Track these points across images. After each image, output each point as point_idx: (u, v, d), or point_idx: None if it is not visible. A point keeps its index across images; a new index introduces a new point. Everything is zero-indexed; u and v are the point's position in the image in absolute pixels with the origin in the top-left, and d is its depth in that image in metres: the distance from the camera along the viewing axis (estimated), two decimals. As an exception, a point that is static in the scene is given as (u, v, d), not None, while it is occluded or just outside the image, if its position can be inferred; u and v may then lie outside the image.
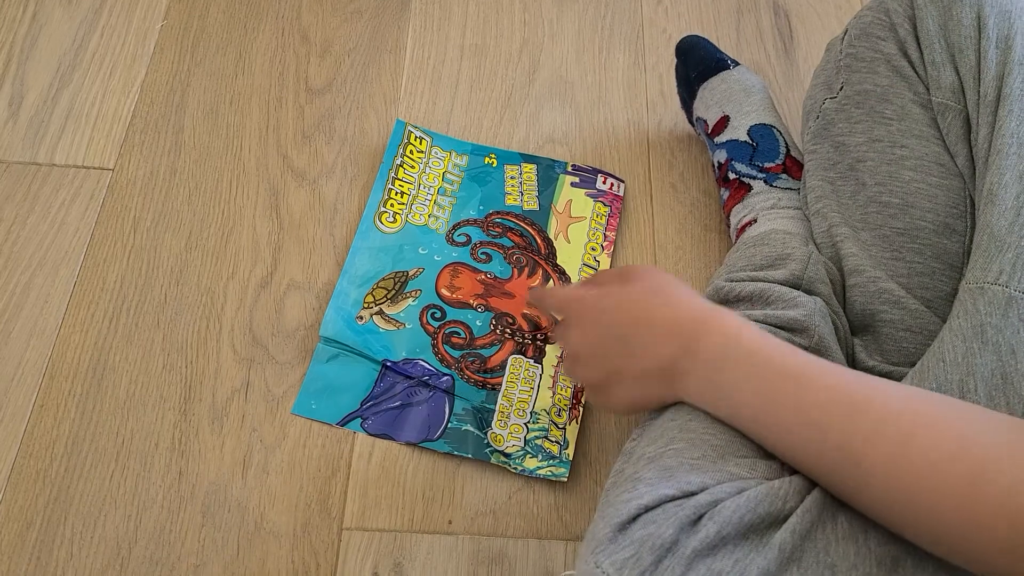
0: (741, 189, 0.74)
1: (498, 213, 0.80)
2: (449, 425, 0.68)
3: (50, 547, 0.63)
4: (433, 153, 0.83)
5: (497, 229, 0.79)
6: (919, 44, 0.62)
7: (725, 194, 0.76)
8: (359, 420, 0.69)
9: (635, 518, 0.48)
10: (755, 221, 0.71)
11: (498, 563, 0.65)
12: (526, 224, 0.80)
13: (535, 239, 0.79)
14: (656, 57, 0.94)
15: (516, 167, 0.83)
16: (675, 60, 0.84)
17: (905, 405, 0.45)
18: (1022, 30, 0.58)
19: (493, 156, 0.84)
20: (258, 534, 0.64)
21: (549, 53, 0.93)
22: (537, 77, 0.91)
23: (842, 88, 0.66)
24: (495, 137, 0.86)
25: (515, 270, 0.77)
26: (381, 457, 0.68)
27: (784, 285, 0.62)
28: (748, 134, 0.75)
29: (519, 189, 0.82)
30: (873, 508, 0.45)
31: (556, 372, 0.71)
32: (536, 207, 0.81)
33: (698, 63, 0.80)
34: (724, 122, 0.77)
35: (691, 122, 0.85)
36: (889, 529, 0.46)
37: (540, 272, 0.77)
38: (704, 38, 0.82)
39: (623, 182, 0.84)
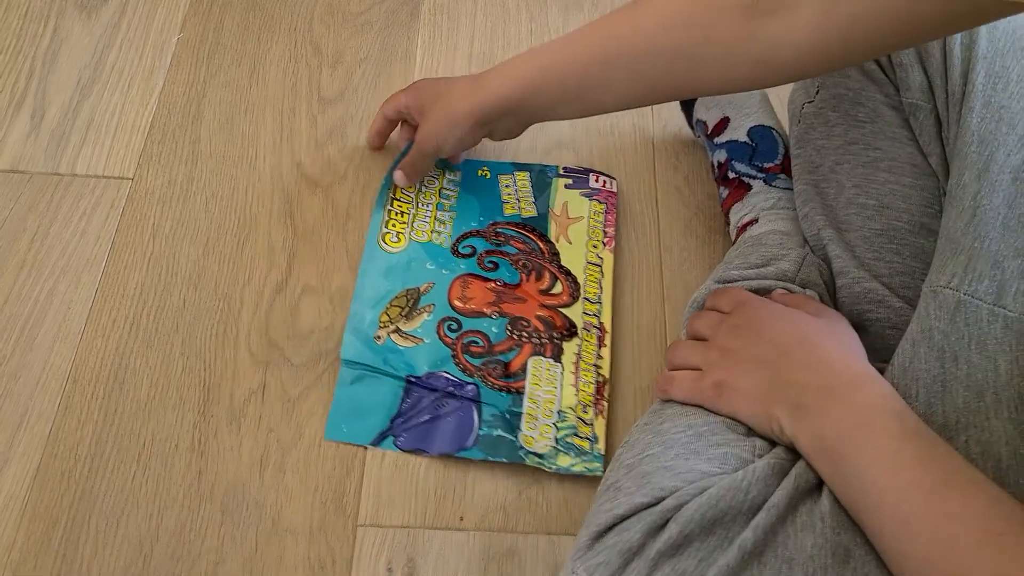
0: (741, 188, 0.75)
1: (499, 223, 0.82)
2: (480, 432, 0.69)
3: (75, 545, 0.65)
4: (430, 172, 0.84)
5: (500, 238, 0.80)
6: None
7: (724, 193, 0.78)
8: (391, 438, 0.70)
9: (612, 527, 0.51)
10: (756, 221, 0.72)
11: (509, 558, 0.66)
12: (527, 231, 0.81)
13: (537, 244, 0.80)
14: (661, 63, 0.95)
15: (509, 176, 0.85)
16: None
17: None
18: (987, 25, 0.58)
19: (486, 169, 0.85)
20: (275, 531, 0.66)
21: (555, 60, 0.95)
22: (544, 84, 0.93)
23: (818, 92, 0.67)
24: (502, 144, 0.88)
25: (523, 275, 0.78)
26: (394, 456, 0.70)
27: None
28: (748, 135, 0.76)
29: (515, 197, 0.83)
30: None
31: (576, 368, 0.73)
32: (534, 213, 0.82)
33: None
34: (724, 123, 0.78)
35: (690, 125, 0.86)
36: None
37: (547, 275, 0.78)
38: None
39: (614, 179, 0.86)
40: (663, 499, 0.50)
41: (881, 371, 0.59)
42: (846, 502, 0.48)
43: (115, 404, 0.71)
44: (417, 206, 0.82)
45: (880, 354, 0.62)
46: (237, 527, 0.66)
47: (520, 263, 0.79)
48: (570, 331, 0.75)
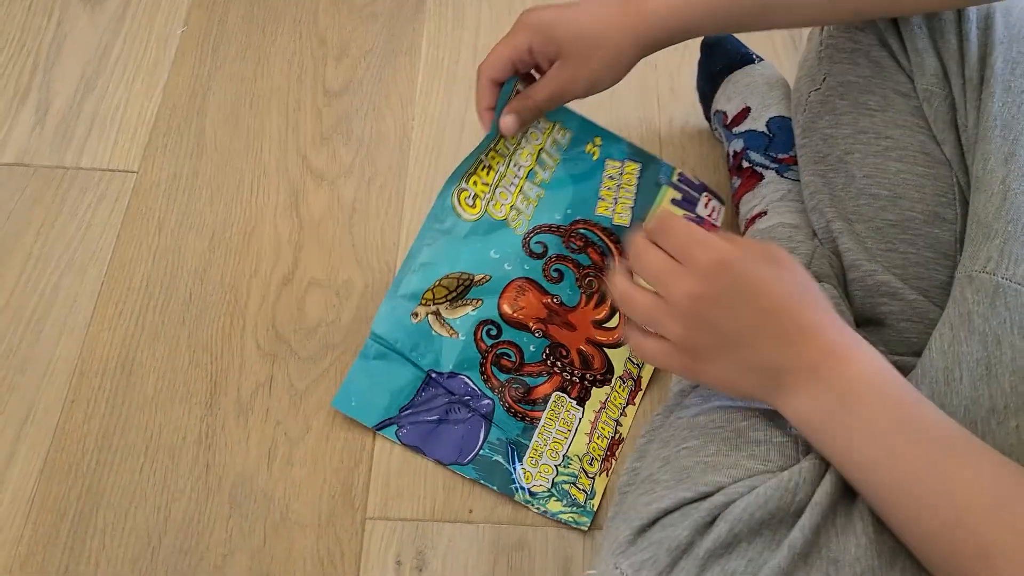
0: (753, 178, 0.75)
1: (584, 223, 0.73)
2: (480, 452, 0.67)
3: (83, 537, 0.65)
4: (536, 123, 0.70)
5: (578, 243, 0.73)
6: (899, 32, 0.61)
7: (736, 182, 0.78)
8: (395, 427, 0.68)
9: (654, 521, 0.49)
10: (765, 214, 0.72)
11: (518, 551, 0.66)
12: (611, 241, 0.73)
13: (614, 263, 0.73)
14: (666, 54, 0.94)
15: (618, 164, 0.72)
16: (697, 55, 0.85)
17: None
18: (1001, 8, 0.58)
19: (598, 143, 0.72)
20: (284, 524, 0.66)
21: (561, 53, 0.94)
22: (550, 76, 0.92)
23: (825, 80, 0.66)
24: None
25: (583, 296, 0.72)
26: (402, 448, 0.70)
27: None
28: (767, 125, 0.75)
29: (614, 195, 0.74)
30: None
31: (597, 417, 0.69)
32: (626, 223, 0.74)
33: (724, 56, 0.81)
34: (745, 113, 0.77)
35: (707, 116, 0.86)
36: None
37: (608, 304, 0.72)
38: (730, 33, 0.83)
39: (723, 204, 0.78)
40: (709, 494, 0.49)
41: (900, 365, 0.58)
42: (847, 477, 0.47)
43: (122, 397, 0.71)
44: (508, 164, 0.69)
45: (895, 347, 0.62)
46: (245, 520, 0.66)
47: (586, 281, 0.72)
48: (604, 378, 0.69)
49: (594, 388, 0.70)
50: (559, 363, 0.69)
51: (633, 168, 0.73)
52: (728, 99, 0.80)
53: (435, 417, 0.68)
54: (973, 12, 0.58)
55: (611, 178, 0.72)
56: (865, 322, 0.64)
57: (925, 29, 0.60)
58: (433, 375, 0.68)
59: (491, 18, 0.96)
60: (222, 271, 0.77)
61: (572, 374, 0.70)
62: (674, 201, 0.75)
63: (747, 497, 0.47)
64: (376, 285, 0.77)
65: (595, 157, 0.72)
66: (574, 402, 0.69)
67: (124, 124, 0.85)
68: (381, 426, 0.68)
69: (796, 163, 0.74)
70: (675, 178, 0.75)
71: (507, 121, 0.63)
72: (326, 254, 0.79)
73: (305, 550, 0.65)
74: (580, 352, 0.71)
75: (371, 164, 0.85)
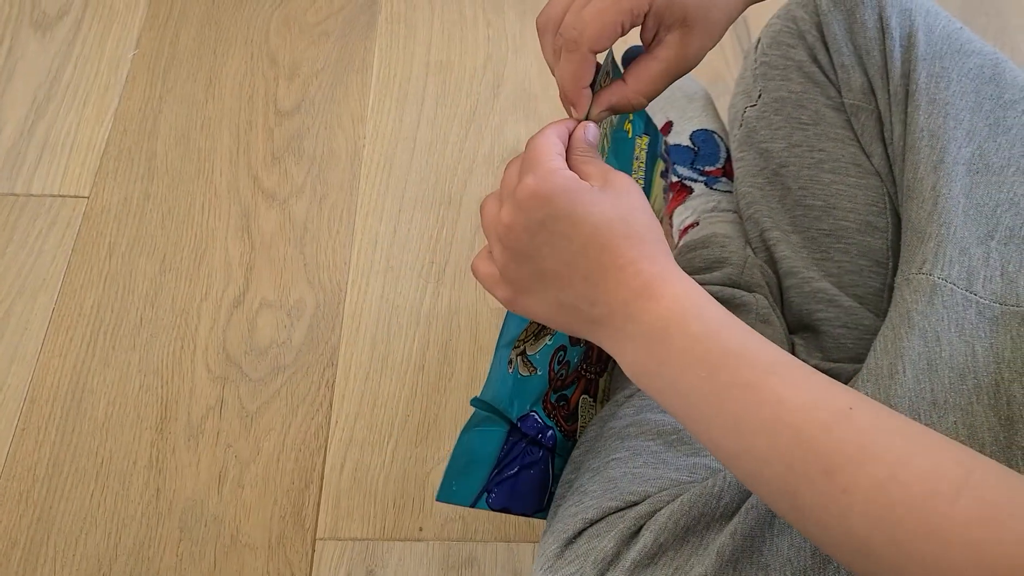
0: (683, 192, 0.76)
1: None
2: (553, 489, 0.58)
3: (34, 565, 0.65)
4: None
5: None
6: (827, 49, 0.63)
7: (669, 196, 0.79)
8: (485, 495, 0.56)
9: (581, 532, 0.50)
10: (697, 224, 0.73)
11: (468, 567, 0.67)
12: None
13: None
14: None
15: (641, 141, 0.64)
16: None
17: (900, 426, 0.37)
18: (923, 27, 0.59)
19: (630, 118, 0.62)
20: (234, 547, 0.66)
21: (513, 67, 0.95)
22: (501, 91, 0.93)
23: (760, 96, 0.67)
24: (460, 151, 0.88)
25: None
26: (353, 468, 0.70)
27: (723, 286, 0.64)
28: (691, 139, 0.77)
29: (636, 177, 0.64)
30: (840, 538, 0.36)
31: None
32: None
33: None
34: (667, 128, 0.79)
35: None
36: (849, 567, 0.39)
37: None
38: None
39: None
40: (635, 503, 0.50)
41: (835, 372, 0.59)
42: (676, 417, 0.43)
43: (72, 423, 0.71)
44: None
45: (831, 353, 0.63)
46: (195, 544, 0.66)
47: None
48: (603, 366, 0.63)
49: (599, 379, 0.63)
50: (584, 364, 0.62)
51: (644, 142, 0.64)
52: (652, 113, 0.81)
53: (515, 468, 0.57)
54: (896, 31, 0.60)
55: (636, 157, 0.63)
56: (802, 328, 0.65)
57: (851, 46, 0.62)
58: (516, 423, 0.57)
59: (443, 34, 0.97)
60: (173, 294, 0.78)
61: (590, 372, 0.62)
62: (662, 173, 0.69)
63: (671, 505, 0.48)
64: (328, 304, 0.78)
65: (630, 135, 0.62)
66: (592, 400, 0.62)
67: (75, 149, 0.86)
68: (476, 500, 0.56)
69: (724, 175, 0.75)
70: (663, 149, 0.67)
71: (601, 115, 0.49)
72: (277, 274, 0.79)
73: (255, 572, 0.66)
74: (598, 349, 0.63)
75: (322, 183, 0.85)
